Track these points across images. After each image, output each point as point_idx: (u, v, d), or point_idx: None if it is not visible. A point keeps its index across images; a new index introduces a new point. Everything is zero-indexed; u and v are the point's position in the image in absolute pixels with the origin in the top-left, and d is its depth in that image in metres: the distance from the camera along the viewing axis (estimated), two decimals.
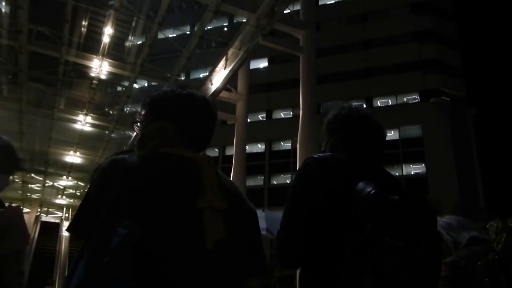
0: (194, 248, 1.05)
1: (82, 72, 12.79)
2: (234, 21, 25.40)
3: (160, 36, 11.55)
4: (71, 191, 25.09)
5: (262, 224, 6.06)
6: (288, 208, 1.41)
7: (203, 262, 1.04)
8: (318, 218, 1.32)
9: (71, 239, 18.68)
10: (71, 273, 1.00)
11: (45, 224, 23.21)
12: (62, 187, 24.10)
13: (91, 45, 11.69)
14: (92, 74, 12.08)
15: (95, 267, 0.95)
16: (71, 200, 26.32)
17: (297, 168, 1.56)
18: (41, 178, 21.87)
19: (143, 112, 1.28)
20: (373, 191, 1.21)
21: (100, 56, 11.03)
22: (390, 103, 26.92)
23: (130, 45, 13.25)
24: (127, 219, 1.00)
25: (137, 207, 1.04)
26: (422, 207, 1.27)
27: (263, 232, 5.91)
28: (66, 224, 22.45)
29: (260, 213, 6.66)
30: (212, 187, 1.14)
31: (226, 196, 1.16)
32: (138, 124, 1.28)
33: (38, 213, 25.36)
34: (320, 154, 1.48)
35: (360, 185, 1.26)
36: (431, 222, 1.27)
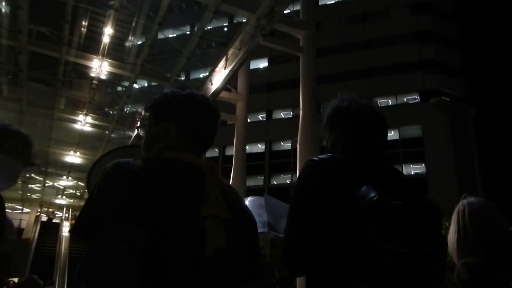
0: (194, 255, 1.06)
1: (82, 72, 12.81)
2: (234, 21, 25.38)
3: (160, 36, 11.56)
4: (71, 191, 25.09)
5: (263, 217, 5.79)
6: (291, 214, 1.38)
7: (202, 269, 1.06)
8: (320, 223, 1.29)
9: (71, 239, 18.68)
10: (78, 277, 1.01)
11: (45, 224, 23.17)
12: (62, 187, 24.10)
13: (91, 45, 11.71)
14: (92, 74, 12.10)
15: (105, 272, 0.98)
16: (71, 200, 26.31)
17: (298, 170, 1.54)
18: (41, 178, 21.88)
19: (146, 116, 1.29)
20: (375, 197, 1.17)
21: (100, 56, 11.04)
22: (390, 103, 26.89)
23: (130, 45, 13.25)
24: (132, 224, 1.02)
25: (142, 213, 1.05)
26: (426, 210, 1.24)
27: (265, 229, 5.67)
28: (66, 224, 22.44)
29: (260, 200, 6.43)
30: (215, 195, 1.15)
31: (228, 204, 1.17)
32: (142, 127, 1.30)
33: (38, 213, 25.33)
34: (321, 156, 1.43)
35: (363, 189, 1.22)
36: (434, 226, 1.24)
